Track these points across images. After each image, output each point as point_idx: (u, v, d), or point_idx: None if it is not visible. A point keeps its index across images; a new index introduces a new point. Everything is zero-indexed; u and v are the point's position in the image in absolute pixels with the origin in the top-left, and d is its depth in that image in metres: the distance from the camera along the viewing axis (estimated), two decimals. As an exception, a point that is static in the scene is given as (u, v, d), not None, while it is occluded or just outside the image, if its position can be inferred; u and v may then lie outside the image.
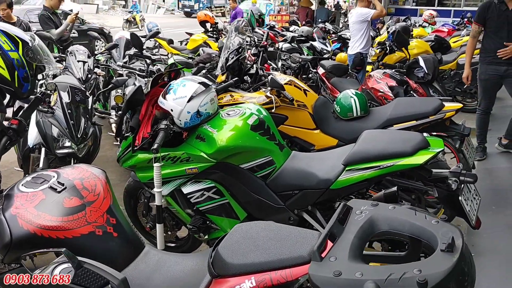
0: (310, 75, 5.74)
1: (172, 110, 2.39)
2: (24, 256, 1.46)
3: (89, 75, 4.05)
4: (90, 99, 3.17)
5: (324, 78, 5.40)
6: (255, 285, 1.21)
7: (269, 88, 3.37)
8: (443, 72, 6.20)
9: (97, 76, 4.64)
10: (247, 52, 3.93)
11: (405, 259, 1.35)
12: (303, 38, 7.50)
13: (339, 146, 3.00)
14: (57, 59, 4.34)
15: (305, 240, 1.26)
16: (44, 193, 1.54)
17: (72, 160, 2.97)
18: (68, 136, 2.92)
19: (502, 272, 2.59)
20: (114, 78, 4.58)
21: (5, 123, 1.87)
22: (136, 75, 4.48)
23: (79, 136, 2.93)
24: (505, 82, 4.12)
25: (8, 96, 1.82)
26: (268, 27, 9.05)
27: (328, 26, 9.37)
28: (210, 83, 2.56)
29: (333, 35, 8.64)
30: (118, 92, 4.56)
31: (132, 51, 4.96)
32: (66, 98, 2.96)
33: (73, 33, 6.19)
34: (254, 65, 3.84)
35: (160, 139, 2.29)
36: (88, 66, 4.09)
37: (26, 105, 2.00)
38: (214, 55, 4.80)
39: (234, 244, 1.30)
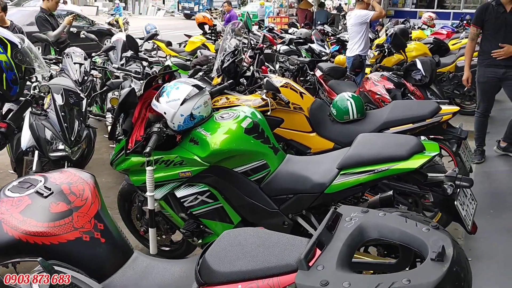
0: (308, 78, 5.72)
1: (165, 113, 2.37)
2: (5, 264, 1.43)
3: (86, 77, 4.04)
4: (84, 102, 3.15)
5: (322, 81, 5.37)
6: (242, 293, 1.18)
7: (264, 91, 3.34)
8: (441, 75, 6.19)
9: (94, 78, 4.62)
10: (244, 54, 3.90)
11: (396, 267, 1.32)
12: (301, 40, 7.48)
13: (336, 149, 2.98)
14: (54, 61, 4.33)
15: (294, 247, 1.23)
16: (30, 198, 1.51)
17: (66, 163, 2.94)
18: (62, 139, 2.89)
19: (500, 276, 2.56)
20: (111, 80, 4.56)
21: (-6, 126, 1.85)
22: (132, 78, 4.46)
23: (72, 139, 2.91)
24: (504, 84, 4.10)
25: None
26: (267, 29, 9.04)
27: (327, 28, 9.36)
28: (203, 85, 2.54)
29: (332, 37, 8.63)
30: (114, 95, 4.55)
31: (129, 53, 4.94)
32: (59, 100, 2.94)
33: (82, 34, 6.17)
34: (251, 67, 3.81)
35: (153, 142, 2.26)
36: (85, 68, 4.07)
37: (15, 108, 1.98)
38: (211, 57, 4.78)
39: (221, 251, 1.27)
